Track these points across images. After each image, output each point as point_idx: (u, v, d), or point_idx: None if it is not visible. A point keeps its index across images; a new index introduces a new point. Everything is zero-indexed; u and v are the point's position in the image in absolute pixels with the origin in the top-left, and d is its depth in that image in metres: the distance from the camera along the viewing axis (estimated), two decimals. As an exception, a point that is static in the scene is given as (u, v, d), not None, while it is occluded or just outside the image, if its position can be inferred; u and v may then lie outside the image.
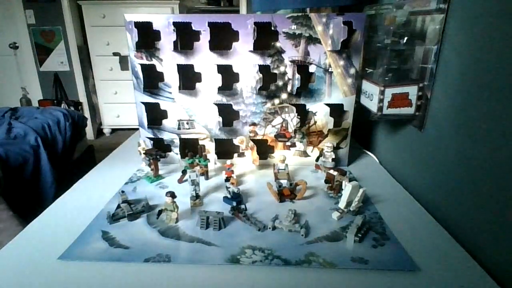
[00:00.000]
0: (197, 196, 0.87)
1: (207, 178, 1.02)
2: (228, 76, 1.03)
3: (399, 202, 0.89)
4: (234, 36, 1.00)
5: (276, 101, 1.06)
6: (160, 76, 1.05)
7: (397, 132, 1.07)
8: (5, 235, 1.37)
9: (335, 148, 1.09)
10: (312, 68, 1.03)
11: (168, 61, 1.03)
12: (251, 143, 1.10)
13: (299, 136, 1.09)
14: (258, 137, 1.10)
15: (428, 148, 0.90)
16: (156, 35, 1.00)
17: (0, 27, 3.60)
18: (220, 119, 1.07)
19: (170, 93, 1.06)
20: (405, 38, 0.92)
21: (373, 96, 0.96)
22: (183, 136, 1.11)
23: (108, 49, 3.57)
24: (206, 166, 1.02)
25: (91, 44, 3.59)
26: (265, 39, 1.00)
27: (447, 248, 0.70)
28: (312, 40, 1.00)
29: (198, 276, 0.62)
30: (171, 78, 1.04)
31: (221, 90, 1.05)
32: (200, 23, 0.99)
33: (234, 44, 1.00)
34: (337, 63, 1.02)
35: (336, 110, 1.08)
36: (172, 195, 0.76)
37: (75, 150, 2.31)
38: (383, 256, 0.67)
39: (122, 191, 0.85)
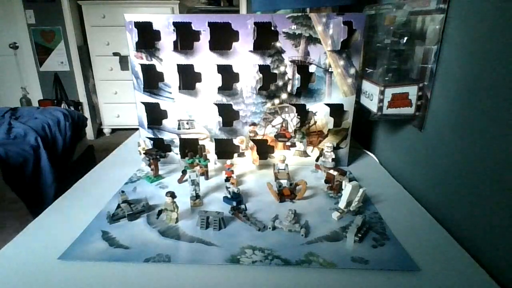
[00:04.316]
0: (197, 196, 0.87)
1: (207, 178, 1.02)
2: (228, 76, 1.03)
3: (399, 202, 0.89)
4: (234, 36, 1.00)
5: (276, 101, 1.06)
6: (160, 76, 1.05)
7: (397, 132, 1.07)
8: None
9: (335, 148, 1.09)
10: (312, 68, 1.03)
11: (168, 61, 1.03)
12: (251, 143, 1.10)
13: (299, 136, 1.09)
14: (258, 137, 1.10)
15: (428, 148, 0.90)
16: (156, 35, 1.00)
17: (0, 27, 3.60)
18: (220, 119, 1.07)
19: (170, 93, 1.06)
20: (405, 38, 0.92)
21: (373, 96, 0.96)
22: (183, 136, 1.11)
23: (108, 49, 3.57)
24: (206, 166, 1.02)
25: (91, 44, 3.59)
26: (265, 39, 1.00)
27: (447, 248, 0.70)
28: (312, 40, 1.00)
29: (198, 276, 0.62)
30: (171, 78, 1.04)
31: (221, 90, 1.05)
32: (200, 23, 0.99)
33: (234, 44, 1.00)
34: (337, 63, 1.02)
35: (336, 110, 1.08)
36: (172, 195, 0.76)
37: (75, 150, 2.31)
38: (383, 256, 0.67)
39: (122, 191, 0.85)
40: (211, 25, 0.98)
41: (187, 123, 1.09)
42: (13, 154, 1.70)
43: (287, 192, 0.89)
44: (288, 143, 1.11)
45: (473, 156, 0.72)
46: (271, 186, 0.90)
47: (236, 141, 1.09)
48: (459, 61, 0.76)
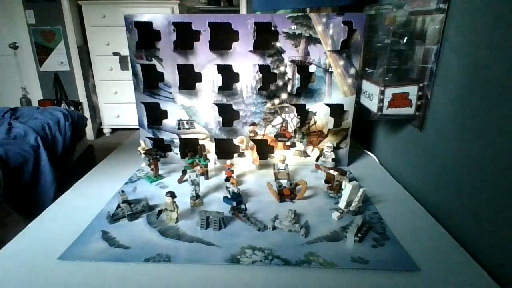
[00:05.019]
0: (197, 196, 0.87)
1: (207, 178, 1.02)
2: (228, 76, 1.03)
3: (399, 202, 0.89)
4: (234, 36, 1.00)
5: (276, 101, 1.06)
6: (160, 76, 1.05)
7: (397, 132, 1.07)
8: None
9: (335, 148, 1.09)
10: (312, 68, 1.03)
11: (168, 61, 1.03)
12: (251, 143, 1.10)
13: (299, 136, 1.09)
14: (258, 137, 1.10)
15: (428, 148, 0.90)
16: (156, 35, 1.00)
17: (0, 27, 3.60)
18: (220, 119, 1.07)
19: (170, 93, 1.06)
20: (405, 38, 0.92)
21: (373, 96, 0.96)
22: (183, 136, 1.11)
23: (108, 49, 3.57)
24: (206, 166, 1.02)
25: (91, 44, 3.58)
26: (265, 39, 1.00)
27: (447, 248, 0.70)
28: (312, 40, 1.00)
29: (198, 276, 0.62)
30: (171, 78, 1.04)
31: (221, 90, 1.05)
32: (200, 23, 0.99)
33: (234, 44, 1.00)
34: (337, 63, 1.02)
35: (336, 110, 1.08)
36: (172, 195, 0.76)
37: (75, 150, 2.30)
38: (383, 256, 0.67)
39: (122, 191, 0.85)
40: (211, 25, 0.98)
41: (187, 123, 1.09)
42: (13, 154, 1.70)
43: (287, 192, 0.89)
44: (288, 143, 1.11)
45: (473, 156, 0.72)
46: (271, 186, 0.90)
47: (236, 141, 1.09)
48: (459, 61, 0.76)
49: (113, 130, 3.99)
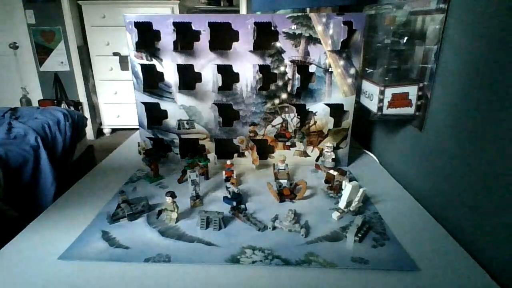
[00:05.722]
0: (197, 196, 0.87)
1: (207, 178, 1.02)
2: (228, 76, 1.03)
3: (399, 202, 0.89)
4: (234, 36, 1.00)
5: (276, 101, 1.06)
6: (160, 76, 1.05)
7: (397, 132, 1.07)
8: None
9: (335, 148, 1.09)
10: (312, 68, 1.03)
11: (168, 61, 1.03)
12: (251, 143, 1.10)
13: (299, 136, 1.09)
14: (258, 137, 1.10)
15: (428, 148, 0.90)
16: (156, 35, 1.00)
17: (0, 27, 3.60)
18: (220, 119, 1.07)
19: (170, 93, 1.06)
20: (405, 38, 0.92)
21: (373, 96, 0.96)
22: (183, 136, 1.11)
23: (108, 49, 3.57)
24: (206, 166, 1.02)
25: (91, 44, 3.59)
26: (265, 39, 1.00)
27: (447, 248, 0.70)
28: (312, 40, 1.00)
29: (198, 276, 0.62)
30: (171, 78, 1.04)
31: (221, 90, 1.05)
32: (200, 23, 0.99)
33: (234, 44, 1.00)
34: (337, 63, 1.02)
35: (336, 110, 1.08)
36: (172, 195, 0.76)
37: (75, 150, 2.31)
38: (383, 256, 0.67)
39: (122, 191, 0.85)
40: (211, 25, 0.98)
41: (187, 123, 1.09)
42: (13, 154, 1.70)
43: (287, 192, 0.89)
44: (288, 143, 1.11)
45: (473, 156, 0.72)
46: (271, 186, 0.90)
47: (236, 141, 1.09)
48: (459, 61, 0.76)
49: (113, 130, 3.99)
